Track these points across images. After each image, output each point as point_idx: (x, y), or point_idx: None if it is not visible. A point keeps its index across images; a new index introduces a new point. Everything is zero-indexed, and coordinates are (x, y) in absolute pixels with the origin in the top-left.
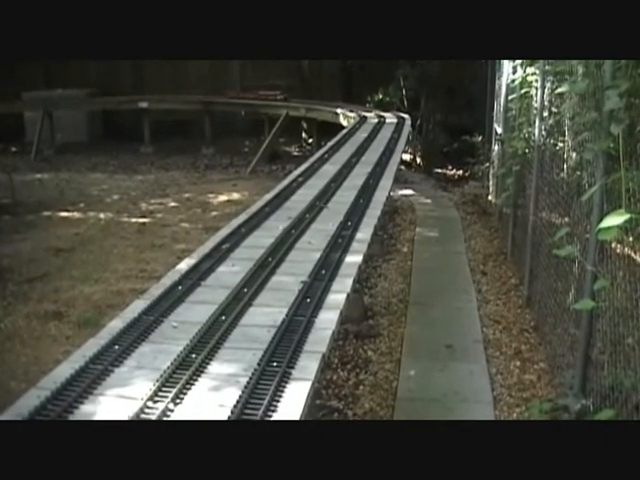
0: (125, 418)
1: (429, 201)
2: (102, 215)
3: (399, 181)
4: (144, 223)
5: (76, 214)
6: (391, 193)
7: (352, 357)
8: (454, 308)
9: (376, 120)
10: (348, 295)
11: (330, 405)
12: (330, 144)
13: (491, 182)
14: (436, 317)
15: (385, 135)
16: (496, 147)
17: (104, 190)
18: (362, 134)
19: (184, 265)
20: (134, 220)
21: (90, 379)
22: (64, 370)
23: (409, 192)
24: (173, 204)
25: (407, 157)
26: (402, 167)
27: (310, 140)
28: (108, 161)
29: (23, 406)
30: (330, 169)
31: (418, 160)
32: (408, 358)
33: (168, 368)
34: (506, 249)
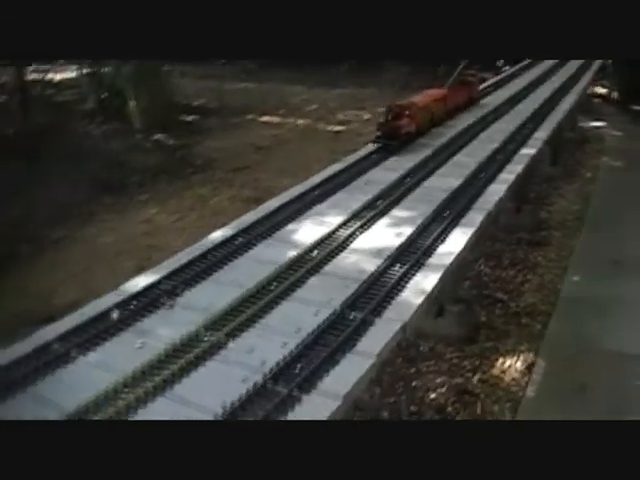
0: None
1: (620, 134)
2: (300, 121)
3: (591, 112)
4: (339, 131)
5: (276, 119)
6: (581, 124)
7: (522, 260)
8: (628, 230)
9: None
10: (518, 175)
11: (495, 296)
12: (517, 67)
13: None
14: (609, 236)
15: (575, 63)
16: None
17: (304, 100)
18: (551, 61)
19: None
20: (330, 128)
21: (294, 209)
22: (271, 204)
23: (600, 124)
24: (368, 116)
25: (602, 91)
26: (596, 99)
27: (505, 68)
28: (308, 77)
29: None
30: (519, 82)
31: (614, 94)
32: (575, 267)
33: (358, 208)
34: None
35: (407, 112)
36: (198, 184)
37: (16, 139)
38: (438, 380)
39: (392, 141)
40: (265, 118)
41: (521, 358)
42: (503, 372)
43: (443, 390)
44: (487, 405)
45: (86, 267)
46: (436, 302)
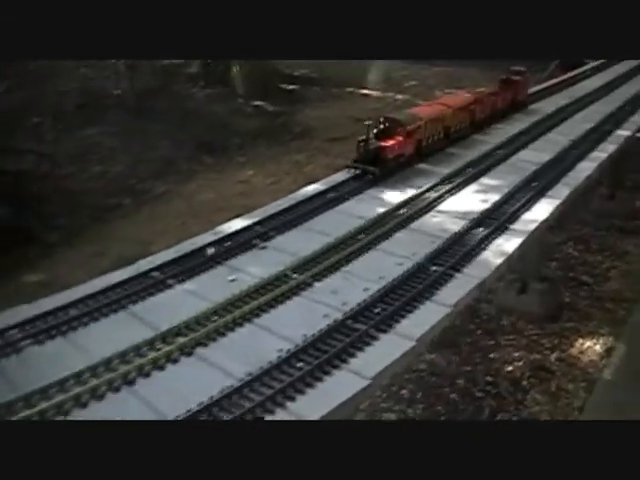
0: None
1: None
2: (399, 96)
3: None
4: None
5: (375, 93)
6: None
7: (611, 247)
8: None
9: None
10: (610, 155)
11: (581, 279)
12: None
13: None
14: None
15: None
16: None
17: (403, 76)
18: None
19: None
20: None
21: None
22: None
23: None
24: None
25: None
26: None
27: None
28: None
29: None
30: (617, 68)
31: None
32: None
33: (447, 173)
34: None
35: (402, 128)
36: (295, 150)
37: (123, 99)
38: (516, 354)
39: (373, 167)
40: (365, 91)
41: (601, 341)
42: (582, 353)
43: (520, 364)
44: (562, 383)
45: (183, 221)
46: (520, 278)
